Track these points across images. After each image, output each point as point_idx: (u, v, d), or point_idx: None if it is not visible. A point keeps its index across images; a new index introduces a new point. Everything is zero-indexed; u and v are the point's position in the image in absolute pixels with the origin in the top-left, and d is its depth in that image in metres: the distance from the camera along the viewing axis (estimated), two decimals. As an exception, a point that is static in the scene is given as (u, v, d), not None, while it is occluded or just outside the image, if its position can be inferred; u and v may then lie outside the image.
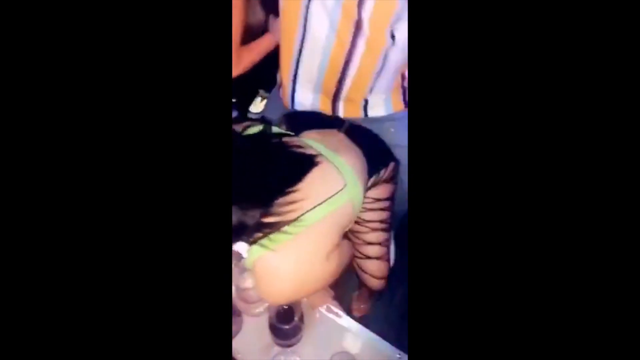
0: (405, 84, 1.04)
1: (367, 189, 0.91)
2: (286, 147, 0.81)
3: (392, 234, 1.10)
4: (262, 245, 0.75)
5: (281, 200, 0.73)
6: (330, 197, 0.78)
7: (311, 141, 0.85)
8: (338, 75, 0.92)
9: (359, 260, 1.05)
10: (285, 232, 0.74)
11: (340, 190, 0.79)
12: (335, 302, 1.07)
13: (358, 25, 0.84)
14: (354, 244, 1.03)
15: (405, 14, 0.83)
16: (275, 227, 0.74)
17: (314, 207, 0.76)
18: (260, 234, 0.74)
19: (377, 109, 1.03)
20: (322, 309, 1.06)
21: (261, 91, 1.71)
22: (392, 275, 1.12)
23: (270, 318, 0.97)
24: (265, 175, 0.75)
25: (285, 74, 0.98)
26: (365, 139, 0.95)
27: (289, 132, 0.89)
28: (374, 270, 1.05)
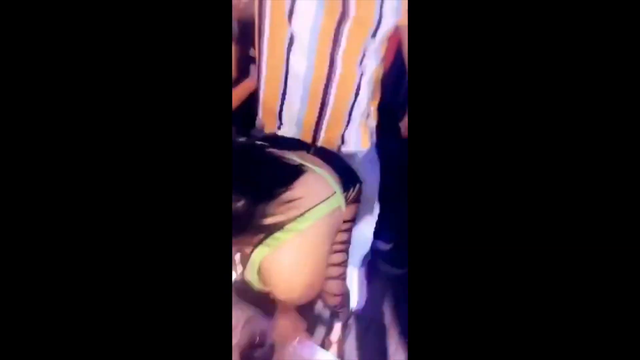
0: (370, 122, 1.16)
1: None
2: (274, 155, 0.86)
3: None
4: (268, 245, 0.76)
5: (279, 199, 0.77)
6: (326, 199, 0.82)
7: (290, 154, 0.91)
8: (317, 108, 1.02)
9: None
10: (289, 230, 0.76)
11: (333, 194, 0.84)
12: (307, 334, 1.07)
13: (332, 62, 0.96)
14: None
15: (371, 51, 0.98)
16: (277, 226, 0.76)
17: (315, 205, 0.79)
18: (262, 235, 0.76)
19: (349, 144, 1.13)
20: (295, 342, 1.04)
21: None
22: (369, 305, 1.15)
23: (240, 346, 0.97)
24: (259, 177, 0.78)
25: (269, 112, 1.07)
26: (334, 160, 1.02)
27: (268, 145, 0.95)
28: (333, 289, 1.08)
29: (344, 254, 1.07)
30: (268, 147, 0.89)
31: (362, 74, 1.00)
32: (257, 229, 0.76)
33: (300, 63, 0.97)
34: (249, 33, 1.10)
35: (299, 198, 0.78)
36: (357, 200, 1.05)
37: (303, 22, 0.92)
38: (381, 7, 0.90)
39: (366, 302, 1.43)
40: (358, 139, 1.12)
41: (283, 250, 0.77)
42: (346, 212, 1.00)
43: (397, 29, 0.98)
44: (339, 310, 1.17)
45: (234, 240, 0.74)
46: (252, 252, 0.79)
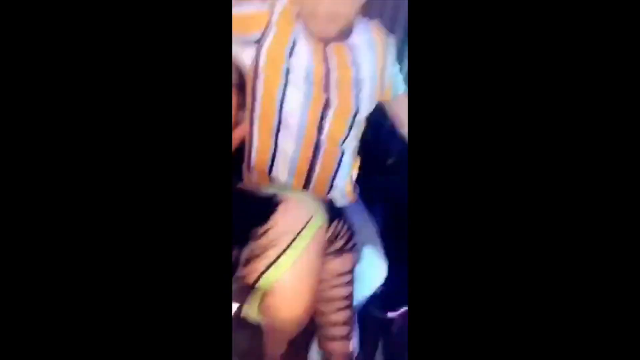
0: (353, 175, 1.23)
1: (329, 242, 0.97)
2: (245, 193, 0.90)
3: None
4: (276, 269, 0.81)
5: (259, 240, 0.82)
6: (307, 223, 0.85)
7: (266, 187, 0.95)
8: (310, 157, 1.06)
9: (325, 342, 1.06)
10: (281, 266, 0.81)
11: (310, 220, 0.86)
12: None
13: (317, 144, 1.05)
14: (319, 326, 1.05)
15: (352, 133, 1.10)
16: (268, 264, 0.81)
17: (298, 234, 0.83)
18: (264, 266, 0.82)
19: (336, 195, 1.17)
20: None
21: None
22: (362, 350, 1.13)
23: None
24: (237, 220, 0.78)
25: (262, 158, 1.10)
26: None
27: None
28: (339, 349, 1.05)
29: (349, 310, 1.05)
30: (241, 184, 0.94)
31: (343, 152, 1.11)
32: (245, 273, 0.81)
33: (289, 144, 1.06)
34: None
35: (281, 232, 0.82)
36: (351, 248, 1.04)
37: (291, 109, 1.01)
38: (357, 97, 1.04)
39: (360, 346, 1.37)
40: (343, 195, 1.19)
41: (280, 288, 0.82)
42: (341, 263, 1.01)
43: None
44: None
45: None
46: (252, 287, 0.83)
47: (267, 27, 0.96)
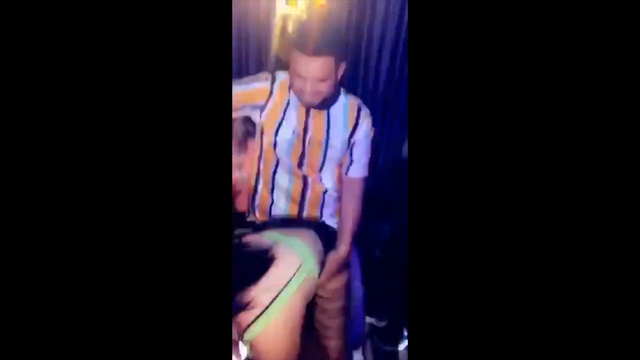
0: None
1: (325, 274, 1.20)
2: (244, 246, 1.11)
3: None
4: (255, 326, 1.00)
5: (252, 293, 1.01)
6: (295, 272, 1.06)
7: (268, 232, 1.17)
8: (300, 189, 1.41)
9: (321, 339, 1.30)
10: (270, 312, 0.99)
11: (299, 268, 1.08)
12: None
13: (305, 178, 1.40)
14: (317, 327, 1.29)
15: (327, 163, 1.40)
16: (260, 310, 1.00)
17: (286, 283, 1.03)
18: (251, 318, 1.00)
19: (327, 219, 1.47)
20: None
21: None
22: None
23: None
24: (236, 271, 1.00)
25: (265, 196, 1.45)
26: (319, 228, 1.30)
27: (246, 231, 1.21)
28: (332, 345, 1.31)
29: (344, 317, 1.31)
30: (243, 236, 1.16)
31: (326, 190, 1.42)
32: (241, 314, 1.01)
33: (283, 179, 1.40)
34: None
35: (270, 284, 1.03)
36: (343, 268, 1.29)
37: (283, 148, 1.36)
38: (324, 155, 1.36)
39: None
40: (333, 216, 1.48)
41: (268, 330, 1.00)
42: (336, 283, 1.25)
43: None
44: None
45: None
46: (244, 332, 1.02)
47: (268, 97, 1.33)
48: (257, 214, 1.47)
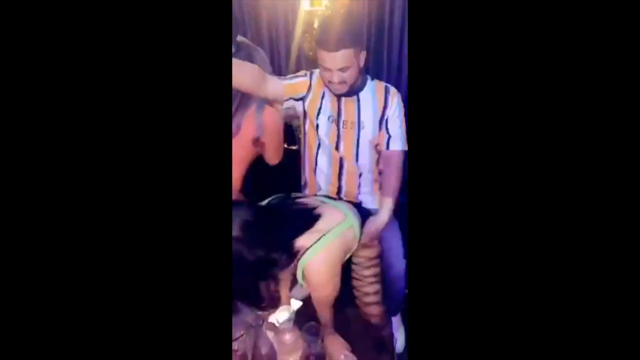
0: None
1: (361, 247, 1.37)
2: (296, 204, 1.31)
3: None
4: (305, 257, 1.21)
5: (302, 236, 1.22)
6: (338, 223, 1.26)
7: (317, 197, 1.39)
8: (337, 172, 1.63)
9: (362, 306, 1.48)
10: (316, 247, 1.20)
11: (342, 221, 1.28)
12: (352, 355, 1.36)
13: (337, 146, 1.60)
14: (357, 295, 1.45)
15: (362, 150, 1.59)
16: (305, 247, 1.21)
17: (330, 229, 1.23)
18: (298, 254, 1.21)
19: (365, 199, 1.67)
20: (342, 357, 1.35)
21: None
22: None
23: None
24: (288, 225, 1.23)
25: (311, 176, 1.70)
26: (359, 208, 1.47)
27: (300, 194, 1.42)
28: (372, 311, 1.48)
29: (377, 284, 1.48)
30: (298, 197, 1.38)
31: (360, 172, 1.61)
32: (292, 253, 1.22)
33: (324, 162, 1.63)
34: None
35: (319, 229, 1.24)
36: (378, 242, 1.46)
37: (322, 131, 1.57)
38: (358, 133, 1.55)
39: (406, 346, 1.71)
40: (372, 197, 1.68)
41: (314, 260, 1.21)
42: (370, 251, 1.43)
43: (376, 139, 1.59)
44: (382, 327, 1.50)
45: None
46: (297, 262, 1.23)
47: (308, 89, 1.54)
48: (306, 192, 1.71)
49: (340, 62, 1.34)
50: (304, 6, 2.03)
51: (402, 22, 1.94)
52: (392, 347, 1.54)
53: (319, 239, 1.21)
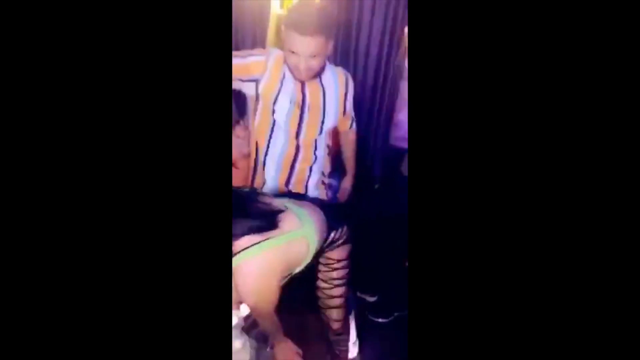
0: (326, 180, 1.69)
1: (329, 245, 1.25)
2: (261, 203, 1.19)
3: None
4: (240, 257, 1.07)
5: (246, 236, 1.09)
6: (284, 234, 1.13)
7: (280, 200, 1.25)
8: (292, 158, 1.53)
9: (324, 310, 1.39)
10: (255, 249, 1.07)
11: (295, 229, 1.16)
12: None
13: (299, 130, 1.50)
14: (320, 299, 1.36)
15: (320, 142, 1.53)
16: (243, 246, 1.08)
17: (270, 238, 1.10)
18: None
19: (312, 189, 1.60)
20: None
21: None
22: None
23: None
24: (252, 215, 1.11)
25: (259, 157, 1.57)
26: (322, 207, 1.37)
27: (265, 193, 1.29)
28: (335, 316, 1.39)
29: (344, 287, 1.39)
30: (265, 195, 1.25)
31: (315, 158, 1.56)
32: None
33: (277, 147, 1.52)
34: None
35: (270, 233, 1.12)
36: (346, 242, 1.36)
37: (282, 116, 1.45)
38: (323, 115, 1.48)
39: (363, 347, 1.62)
40: (316, 189, 1.64)
41: (245, 264, 1.07)
42: (339, 253, 1.33)
43: (335, 130, 1.61)
44: (340, 337, 1.39)
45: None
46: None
47: (264, 71, 1.42)
48: (256, 182, 1.57)
49: (313, 48, 1.27)
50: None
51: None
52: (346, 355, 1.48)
53: (259, 242, 1.08)
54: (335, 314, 1.40)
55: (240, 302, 1.38)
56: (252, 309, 1.20)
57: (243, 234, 1.07)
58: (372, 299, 1.93)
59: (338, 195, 1.75)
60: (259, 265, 1.07)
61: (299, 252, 1.19)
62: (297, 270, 1.22)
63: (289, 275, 1.19)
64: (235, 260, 1.06)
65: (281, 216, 1.16)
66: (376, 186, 2.00)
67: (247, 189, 1.27)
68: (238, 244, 1.06)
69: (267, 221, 1.13)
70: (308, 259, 1.23)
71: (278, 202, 1.24)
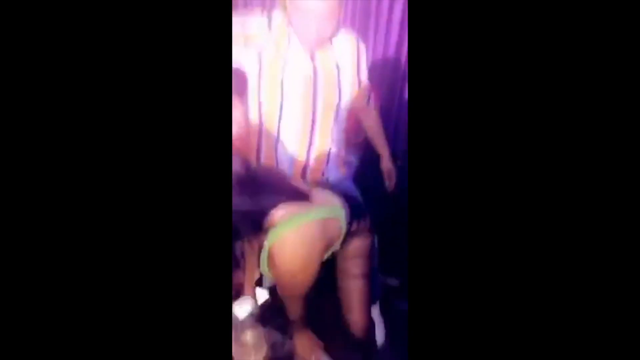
0: (347, 158, 1.51)
1: (349, 235, 1.12)
2: (288, 180, 1.06)
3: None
4: (274, 235, 0.96)
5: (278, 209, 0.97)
6: (319, 209, 1.00)
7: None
8: (307, 144, 1.32)
9: (344, 306, 1.23)
10: (294, 221, 0.95)
11: (328, 207, 1.03)
12: (325, 353, 1.15)
13: (314, 109, 1.29)
14: (342, 291, 1.21)
15: (337, 128, 1.33)
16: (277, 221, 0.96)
17: (312, 210, 0.99)
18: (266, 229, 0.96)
19: (332, 173, 1.41)
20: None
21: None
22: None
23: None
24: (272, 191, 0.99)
25: (269, 155, 1.35)
26: (342, 194, 1.21)
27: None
28: (354, 317, 1.23)
29: (362, 280, 1.22)
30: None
31: (333, 142, 1.36)
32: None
33: (289, 134, 1.29)
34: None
35: (302, 207, 0.99)
36: (368, 232, 1.21)
37: (292, 92, 1.24)
38: (340, 90, 1.28)
39: (386, 337, 1.48)
40: (339, 173, 1.44)
41: (285, 239, 0.95)
42: (359, 244, 1.18)
43: (353, 110, 1.40)
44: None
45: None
46: (264, 241, 0.98)
47: (266, 36, 1.20)
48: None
49: (325, 9, 1.08)
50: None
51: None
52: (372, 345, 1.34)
53: (295, 217, 0.96)
54: (355, 315, 1.23)
55: (258, 286, 1.29)
56: (286, 293, 1.09)
57: (275, 206, 0.95)
58: (395, 283, 1.82)
59: (386, 184, 1.55)
60: (300, 238, 0.96)
61: (334, 232, 1.06)
62: (334, 249, 1.10)
63: (328, 253, 1.08)
64: (272, 235, 0.95)
65: (312, 194, 1.03)
66: (398, 162, 1.85)
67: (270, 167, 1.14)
68: (272, 217, 0.95)
69: (299, 196, 1.01)
70: (338, 243, 1.10)
71: (304, 184, 1.12)
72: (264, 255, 1.00)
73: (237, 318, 1.14)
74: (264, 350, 1.10)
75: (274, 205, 0.96)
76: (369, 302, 1.25)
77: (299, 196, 1.02)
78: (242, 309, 1.17)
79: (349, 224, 1.11)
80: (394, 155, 1.76)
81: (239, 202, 0.91)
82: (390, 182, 1.54)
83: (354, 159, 1.68)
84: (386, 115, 1.67)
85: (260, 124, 1.32)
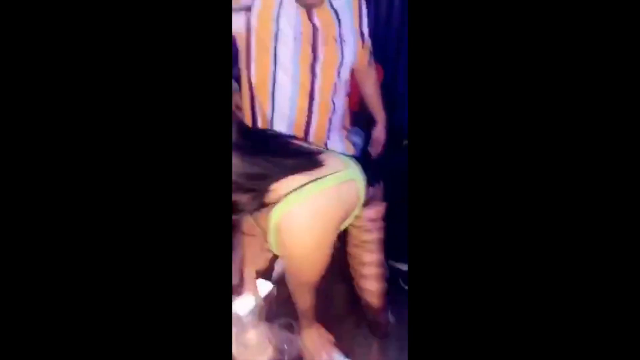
0: (349, 136, 1.44)
1: (364, 203, 0.99)
2: (295, 144, 0.94)
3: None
4: (283, 205, 0.82)
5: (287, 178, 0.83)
6: (336, 172, 0.87)
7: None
8: (306, 110, 1.21)
9: (357, 278, 1.15)
10: (302, 192, 0.81)
11: (342, 169, 0.89)
12: (336, 349, 1.06)
13: (313, 73, 1.17)
14: (353, 268, 1.12)
15: (339, 87, 1.22)
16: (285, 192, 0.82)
17: (326, 175, 0.85)
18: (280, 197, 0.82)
19: (335, 145, 1.31)
20: (325, 356, 1.03)
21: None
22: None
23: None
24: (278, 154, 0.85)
25: (263, 115, 1.25)
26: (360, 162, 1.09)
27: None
28: (368, 286, 1.15)
29: (376, 254, 1.13)
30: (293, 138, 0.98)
31: (334, 109, 1.27)
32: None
33: (285, 101, 1.21)
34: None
35: (313, 173, 0.85)
36: (382, 199, 1.10)
37: (285, 68, 1.14)
38: (342, 50, 1.18)
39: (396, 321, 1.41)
40: (342, 146, 1.36)
41: (295, 212, 0.81)
42: (373, 211, 1.07)
43: (353, 71, 1.30)
44: (382, 321, 1.19)
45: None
46: (270, 213, 0.83)
47: None
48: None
49: None
50: None
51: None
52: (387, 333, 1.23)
53: (305, 184, 0.82)
54: (369, 284, 1.14)
55: (264, 276, 1.18)
56: (296, 279, 0.97)
57: (283, 175, 0.81)
58: (404, 267, 1.73)
59: (370, 149, 1.48)
60: (310, 213, 0.82)
61: (351, 198, 0.92)
62: (351, 218, 0.97)
63: (345, 223, 0.95)
64: (277, 210, 0.81)
65: (322, 156, 0.89)
66: (404, 142, 1.73)
67: (274, 131, 1.03)
68: (278, 188, 0.81)
69: (309, 160, 0.87)
70: (358, 209, 0.96)
71: (313, 145, 0.98)
72: (271, 233, 0.86)
73: (238, 316, 1.03)
74: (269, 352, 0.99)
75: (280, 172, 0.82)
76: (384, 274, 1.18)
77: (308, 158, 0.88)
78: (244, 304, 1.05)
79: (367, 186, 0.98)
80: (400, 135, 1.65)
81: (239, 168, 0.77)
82: (375, 150, 1.50)
83: (358, 140, 1.56)
84: (387, 86, 1.55)
85: (251, 88, 1.21)
